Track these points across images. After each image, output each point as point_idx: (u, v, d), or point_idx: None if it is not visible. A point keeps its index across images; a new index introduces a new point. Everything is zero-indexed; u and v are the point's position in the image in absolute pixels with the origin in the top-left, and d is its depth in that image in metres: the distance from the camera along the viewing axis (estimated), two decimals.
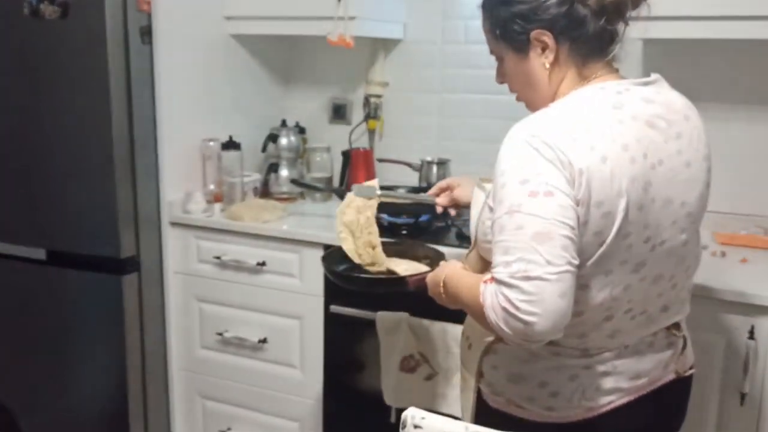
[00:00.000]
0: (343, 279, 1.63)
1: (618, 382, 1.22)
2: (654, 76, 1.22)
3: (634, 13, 1.20)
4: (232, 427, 2.31)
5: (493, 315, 1.02)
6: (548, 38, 1.17)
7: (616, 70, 1.22)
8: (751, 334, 1.65)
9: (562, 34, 1.17)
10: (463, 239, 2.03)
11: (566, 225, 1.02)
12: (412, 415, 1.00)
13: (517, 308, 0.99)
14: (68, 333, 2.27)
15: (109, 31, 2.03)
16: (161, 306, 2.31)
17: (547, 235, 1.01)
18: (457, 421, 1.00)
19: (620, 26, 1.19)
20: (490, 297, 1.03)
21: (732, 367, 1.65)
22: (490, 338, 1.25)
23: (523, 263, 1.00)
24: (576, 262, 1.03)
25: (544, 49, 1.19)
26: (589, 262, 1.10)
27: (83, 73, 2.09)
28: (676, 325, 1.29)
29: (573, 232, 1.03)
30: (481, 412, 1.32)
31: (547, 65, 1.19)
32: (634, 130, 1.11)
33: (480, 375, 1.30)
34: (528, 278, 0.99)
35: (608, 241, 1.08)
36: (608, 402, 1.22)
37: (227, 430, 2.32)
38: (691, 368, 1.34)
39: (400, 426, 1.01)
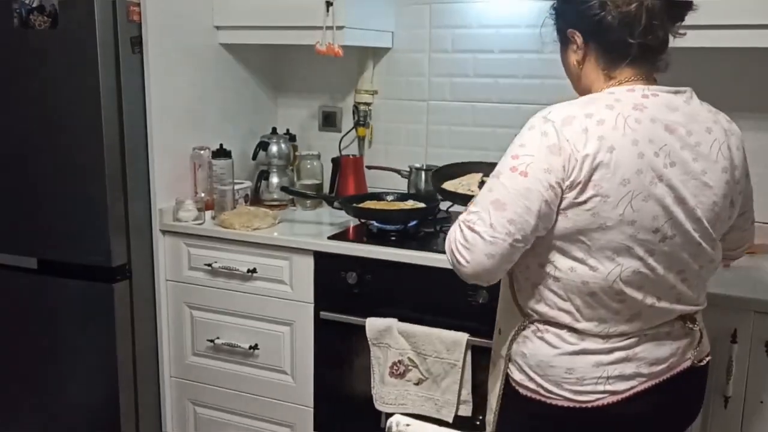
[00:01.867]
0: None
1: (639, 368, 1.29)
2: (685, 88, 1.30)
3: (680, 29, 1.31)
4: None
5: (446, 245, 1.28)
6: (578, 38, 1.32)
7: (653, 78, 1.31)
8: (734, 338, 1.68)
9: (590, 37, 1.31)
10: None
11: (523, 204, 1.19)
12: (397, 421, 1.02)
13: (456, 248, 1.24)
14: (59, 341, 2.28)
15: (100, 41, 2.05)
16: (152, 313, 2.32)
17: (502, 205, 1.20)
18: (442, 428, 1.02)
19: (655, 38, 1.27)
20: (450, 230, 1.28)
21: (715, 371, 1.68)
22: (519, 325, 1.34)
23: (475, 216, 1.23)
24: (517, 236, 1.20)
25: (576, 47, 1.33)
26: (586, 237, 1.21)
27: (74, 82, 2.10)
28: (692, 318, 1.35)
29: (528, 213, 1.19)
30: (508, 397, 1.38)
31: (576, 61, 1.34)
32: (649, 131, 1.20)
33: (508, 360, 1.36)
34: (471, 229, 1.22)
35: (610, 224, 1.20)
36: (630, 387, 1.29)
37: None
38: (707, 356, 1.41)
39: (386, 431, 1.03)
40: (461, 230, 1.24)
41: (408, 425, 1.00)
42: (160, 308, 2.33)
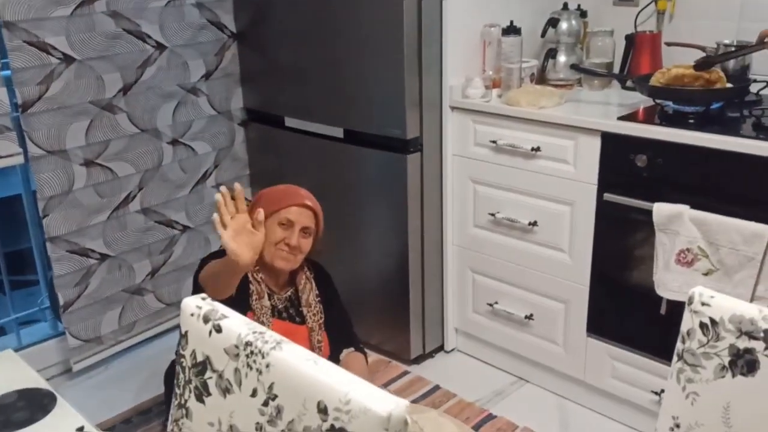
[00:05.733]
0: None
1: None
2: None
3: None
4: (499, 301, 2.47)
5: None
6: None
7: None
8: None
9: None
10: (761, 130, 1.87)
11: None
12: (700, 292, 1.01)
13: None
14: (360, 203, 2.57)
15: None
16: (439, 185, 2.49)
17: None
18: (751, 305, 0.99)
19: None
20: None
21: None
22: None
23: None
24: None
25: None
26: None
27: None
28: None
29: None
30: None
31: None
32: None
33: None
34: None
35: None
36: None
37: (494, 304, 2.48)
38: None
39: (687, 302, 1.02)
40: None
41: (712, 297, 0.99)
42: (446, 181, 2.49)
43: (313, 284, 2.03)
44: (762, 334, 0.94)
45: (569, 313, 2.29)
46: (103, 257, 2.51)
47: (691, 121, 1.98)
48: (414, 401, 2.39)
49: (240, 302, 1.84)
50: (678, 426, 1.01)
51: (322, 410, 0.80)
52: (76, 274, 2.44)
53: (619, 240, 2.12)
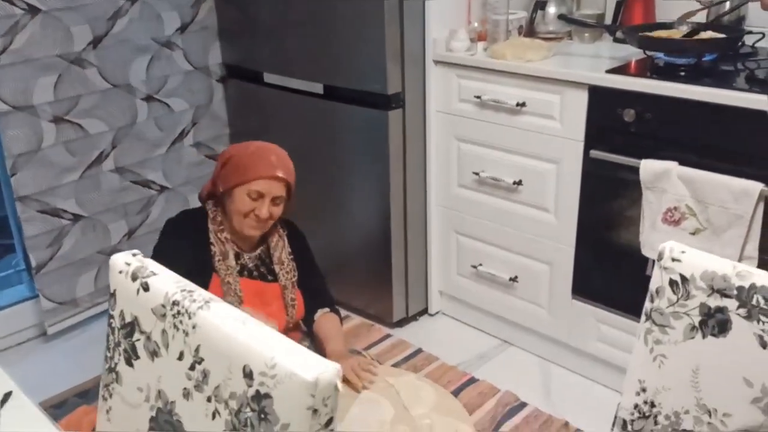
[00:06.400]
0: None
1: None
2: None
3: None
4: (484, 263, 2.41)
5: None
6: None
7: None
8: None
9: None
10: (755, 83, 1.77)
11: None
12: (671, 247, 0.93)
13: None
14: (342, 163, 2.49)
15: None
16: (422, 143, 2.40)
17: None
18: (724, 260, 0.91)
19: None
20: None
21: None
22: None
23: None
24: None
25: None
26: None
27: None
28: None
29: None
30: None
31: None
32: None
33: None
34: None
35: None
36: None
37: (479, 266, 2.42)
38: None
39: (657, 257, 0.95)
40: None
41: (683, 252, 0.91)
42: (429, 138, 2.40)
43: (286, 242, 1.95)
44: (735, 292, 0.87)
45: (554, 274, 2.23)
46: (77, 218, 2.44)
47: (683, 73, 1.89)
48: (395, 365, 2.35)
49: (202, 266, 1.77)
50: (644, 390, 0.94)
51: (248, 375, 0.74)
52: (48, 234, 2.37)
53: (606, 199, 2.04)
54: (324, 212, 2.58)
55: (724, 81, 1.81)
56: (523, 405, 2.15)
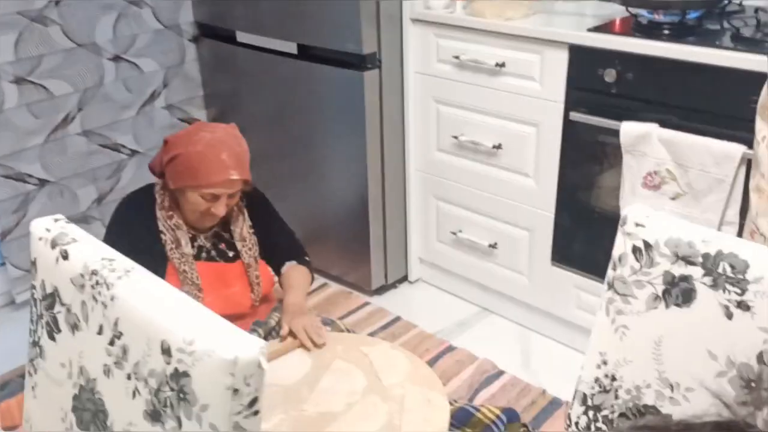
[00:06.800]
0: None
1: None
2: None
3: None
4: (463, 230, 2.35)
5: None
6: None
7: None
8: None
9: None
10: (740, 41, 1.70)
11: None
12: (634, 212, 0.87)
13: None
14: (317, 126, 2.41)
15: None
16: (401, 105, 2.32)
17: None
18: (690, 225, 0.85)
19: None
20: None
21: None
22: None
23: None
24: None
25: None
26: None
27: None
28: None
29: None
30: None
31: None
32: None
33: None
34: None
35: None
36: None
37: (458, 232, 2.36)
38: None
39: (619, 223, 0.89)
40: None
41: (648, 217, 0.85)
42: (407, 101, 2.32)
43: (246, 214, 1.82)
44: (700, 259, 0.81)
45: (534, 241, 2.17)
46: (43, 182, 2.36)
47: (666, 32, 1.81)
48: (372, 333, 2.30)
49: (154, 256, 1.65)
50: (605, 363, 0.89)
51: (166, 351, 0.68)
52: (13, 200, 2.30)
53: (586, 164, 1.98)
54: (299, 178, 2.51)
55: (708, 39, 1.73)
56: (501, 373, 2.11)
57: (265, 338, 1.80)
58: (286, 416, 1.54)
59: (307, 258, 1.91)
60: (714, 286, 0.81)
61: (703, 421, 0.47)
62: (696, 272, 0.82)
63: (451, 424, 1.60)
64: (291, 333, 1.66)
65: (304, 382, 1.65)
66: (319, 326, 1.70)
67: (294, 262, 1.88)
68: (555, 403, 1.99)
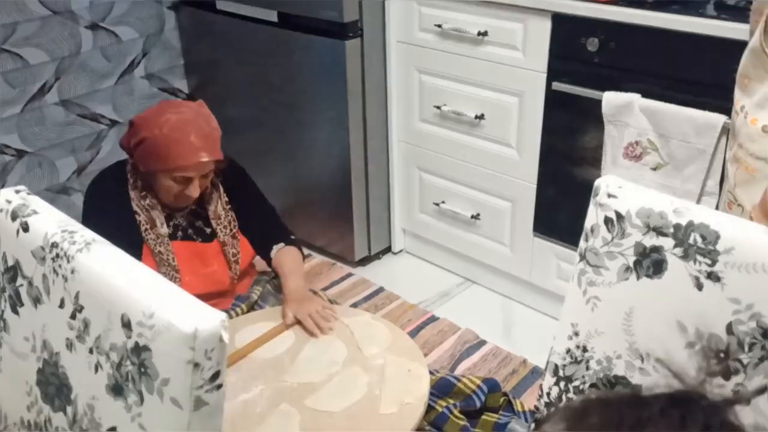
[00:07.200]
0: None
1: None
2: None
3: None
4: (446, 201, 2.34)
5: None
6: None
7: None
8: None
9: None
10: (724, 9, 1.68)
11: None
12: (607, 182, 0.86)
13: None
14: (299, 96, 2.38)
15: None
16: (383, 75, 2.29)
17: None
18: (662, 195, 0.85)
19: None
20: None
21: None
22: None
23: None
24: None
25: None
26: None
27: None
28: None
29: None
30: None
31: None
32: None
33: None
34: None
35: None
36: None
37: (441, 203, 2.35)
38: None
39: (592, 194, 0.88)
40: None
41: (620, 187, 0.84)
42: (390, 70, 2.29)
43: (221, 190, 1.79)
44: (672, 230, 0.80)
45: (516, 212, 2.17)
46: (20, 153, 2.33)
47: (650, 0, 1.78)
48: (355, 304, 2.30)
49: (130, 237, 1.61)
50: (576, 334, 0.89)
51: (126, 325, 0.67)
52: None
53: (569, 134, 1.96)
54: (281, 148, 2.49)
55: (692, 8, 1.71)
56: (483, 343, 2.12)
57: (248, 312, 1.80)
58: (266, 387, 1.54)
59: (293, 236, 1.90)
60: (685, 257, 0.81)
61: (654, 393, 0.47)
62: (667, 243, 0.81)
63: (432, 394, 1.61)
64: (298, 321, 1.66)
65: (285, 354, 1.65)
66: (324, 310, 1.71)
67: (282, 244, 1.86)
68: (536, 373, 2.00)
